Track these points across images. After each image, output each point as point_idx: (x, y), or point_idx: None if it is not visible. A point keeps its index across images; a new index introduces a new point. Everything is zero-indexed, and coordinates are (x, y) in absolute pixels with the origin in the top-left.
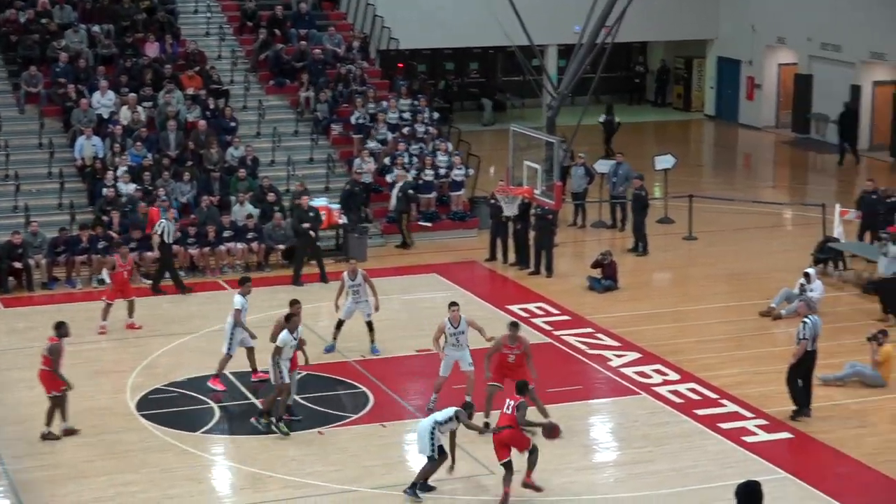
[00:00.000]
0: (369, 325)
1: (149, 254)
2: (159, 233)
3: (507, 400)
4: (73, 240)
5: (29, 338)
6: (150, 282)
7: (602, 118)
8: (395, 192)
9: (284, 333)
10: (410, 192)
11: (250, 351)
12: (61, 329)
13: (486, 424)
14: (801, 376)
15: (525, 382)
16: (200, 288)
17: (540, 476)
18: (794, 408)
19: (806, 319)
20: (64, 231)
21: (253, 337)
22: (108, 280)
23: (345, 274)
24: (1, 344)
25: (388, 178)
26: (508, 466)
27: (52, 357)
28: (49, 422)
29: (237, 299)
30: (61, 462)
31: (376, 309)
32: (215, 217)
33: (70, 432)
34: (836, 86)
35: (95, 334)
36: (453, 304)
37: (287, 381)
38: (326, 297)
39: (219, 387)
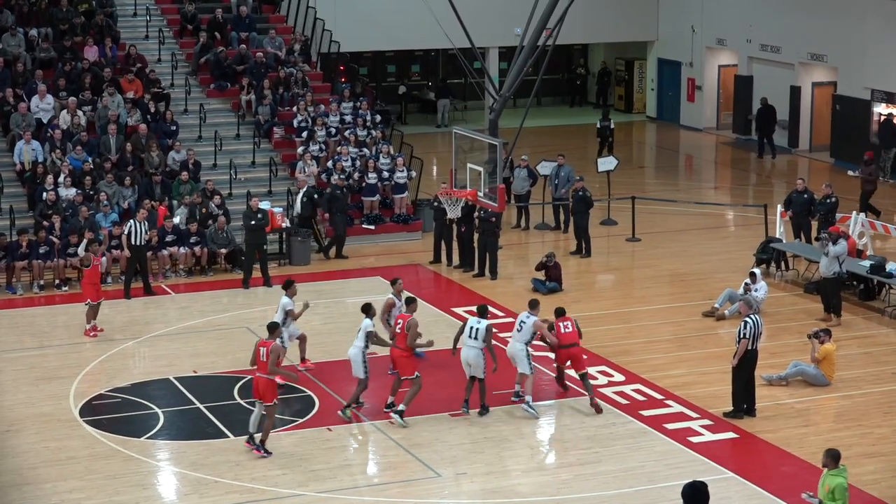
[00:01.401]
0: None
1: (122, 253)
2: (126, 233)
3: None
4: (13, 245)
5: None
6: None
7: (598, 123)
8: (298, 197)
9: (284, 298)
10: (316, 197)
11: (302, 340)
12: None
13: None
14: (745, 377)
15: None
16: (143, 292)
17: (484, 479)
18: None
19: (747, 319)
20: (2, 236)
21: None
22: (89, 262)
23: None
24: None
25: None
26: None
27: None
28: None
29: (285, 300)
30: (4, 469)
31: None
32: (156, 222)
33: None
34: (776, 87)
35: (36, 340)
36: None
37: (287, 346)
38: (271, 300)
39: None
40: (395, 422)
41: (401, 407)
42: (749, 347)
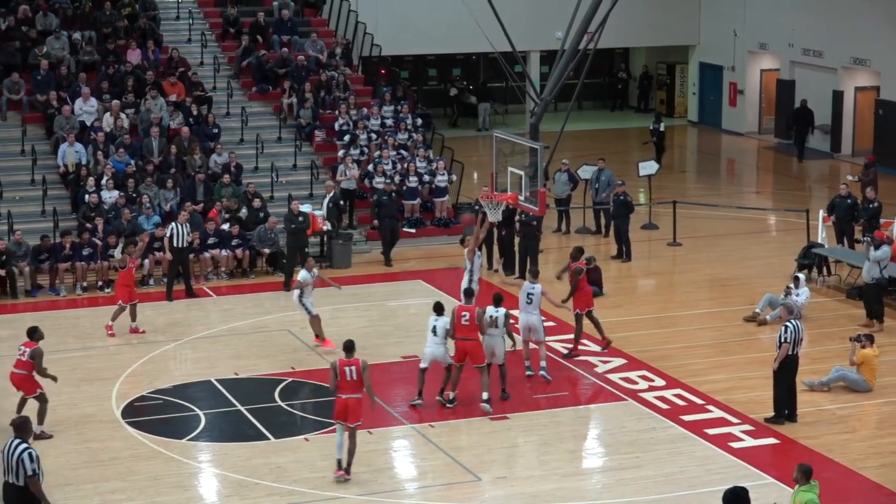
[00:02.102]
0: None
1: (164, 255)
2: (168, 236)
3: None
4: (57, 247)
5: (12, 346)
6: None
7: (651, 126)
8: (325, 202)
9: (303, 272)
10: (342, 203)
11: (317, 320)
12: (37, 333)
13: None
14: (787, 383)
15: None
16: (185, 294)
17: (524, 483)
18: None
19: (787, 323)
20: (46, 238)
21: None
22: (123, 264)
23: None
24: None
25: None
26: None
27: (36, 361)
28: (41, 421)
29: (303, 274)
30: (46, 470)
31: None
32: (199, 224)
33: (45, 437)
34: (819, 91)
35: (79, 341)
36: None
37: (314, 314)
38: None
39: (329, 346)
40: (486, 410)
41: (486, 396)
42: (790, 352)
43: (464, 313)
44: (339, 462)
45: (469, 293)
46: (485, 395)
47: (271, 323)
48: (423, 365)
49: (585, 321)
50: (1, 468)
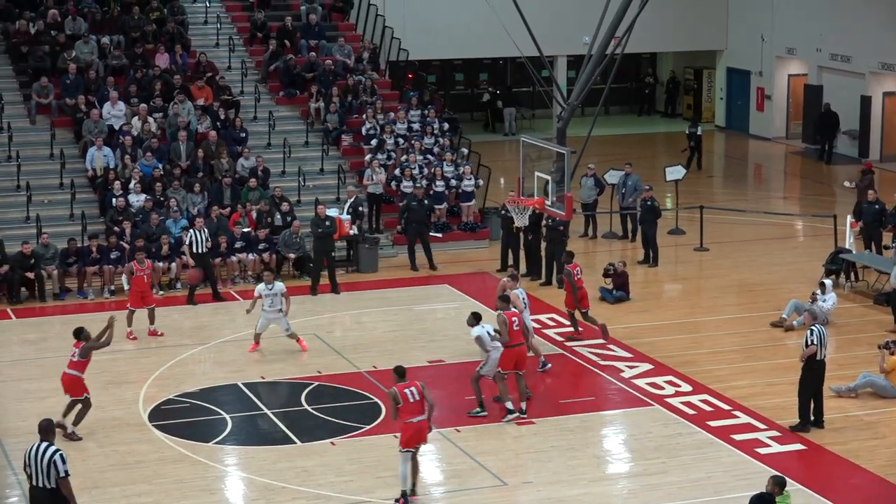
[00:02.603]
0: None
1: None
2: (188, 243)
3: None
4: (85, 250)
5: (41, 348)
6: (162, 293)
7: (687, 130)
8: (345, 207)
9: (260, 285)
10: (361, 209)
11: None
12: (84, 333)
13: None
14: (813, 390)
15: None
16: (212, 298)
17: (550, 488)
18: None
19: (813, 328)
20: (73, 241)
21: None
22: (126, 286)
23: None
24: (12, 354)
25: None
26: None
27: (90, 346)
28: (77, 422)
29: (259, 286)
30: (74, 472)
31: None
32: (226, 228)
33: (73, 438)
34: (846, 96)
35: (137, 343)
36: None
37: (258, 331)
38: (339, 307)
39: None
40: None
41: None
42: (817, 357)
43: (514, 319)
44: (405, 493)
45: (507, 298)
46: (510, 405)
47: (298, 327)
48: (489, 373)
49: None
50: (23, 474)
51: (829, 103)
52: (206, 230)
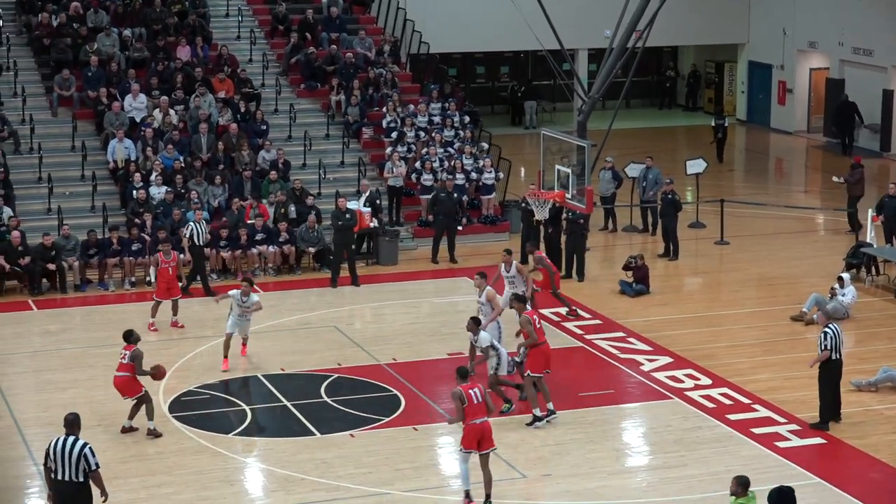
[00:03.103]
0: None
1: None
2: (188, 235)
3: None
4: (105, 242)
5: (61, 339)
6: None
7: (713, 122)
8: (360, 202)
9: (233, 291)
10: (378, 202)
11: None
12: (134, 335)
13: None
14: (832, 388)
15: None
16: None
17: (569, 480)
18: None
19: (826, 329)
20: (93, 233)
21: None
22: (153, 279)
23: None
24: (34, 345)
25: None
26: None
27: (136, 363)
28: (151, 417)
29: (233, 292)
30: None
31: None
32: (243, 220)
33: (155, 434)
34: (868, 90)
35: (158, 334)
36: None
37: (229, 331)
38: (359, 300)
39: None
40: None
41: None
42: (832, 357)
43: (535, 317)
44: (468, 493)
45: (523, 299)
46: (537, 411)
47: (317, 319)
48: (505, 369)
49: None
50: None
51: (846, 94)
52: (204, 223)
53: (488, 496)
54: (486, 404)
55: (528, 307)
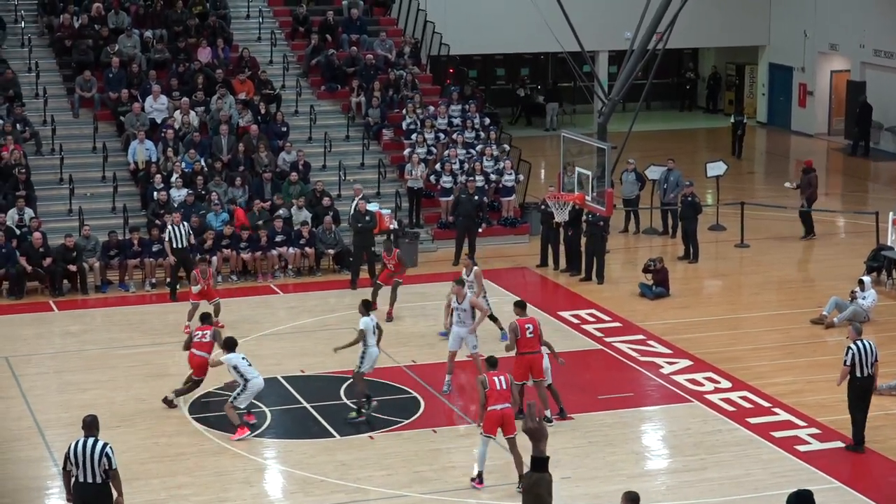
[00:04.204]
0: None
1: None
2: (167, 239)
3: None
4: (126, 243)
5: (82, 340)
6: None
7: (733, 119)
8: (353, 205)
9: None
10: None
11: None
12: (210, 317)
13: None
14: (858, 406)
15: None
16: (253, 292)
17: (588, 483)
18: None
19: (850, 345)
20: (114, 234)
21: None
22: (195, 289)
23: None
24: (54, 346)
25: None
26: None
27: (217, 339)
28: (180, 394)
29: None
30: None
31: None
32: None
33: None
34: (890, 92)
35: (147, 337)
36: (458, 281)
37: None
38: (378, 302)
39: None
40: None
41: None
42: (858, 374)
43: (527, 325)
44: (480, 474)
45: (523, 304)
46: (548, 413)
47: (337, 321)
48: (369, 370)
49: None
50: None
51: (864, 97)
52: (185, 225)
53: (521, 476)
54: (512, 393)
55: (526, 314)
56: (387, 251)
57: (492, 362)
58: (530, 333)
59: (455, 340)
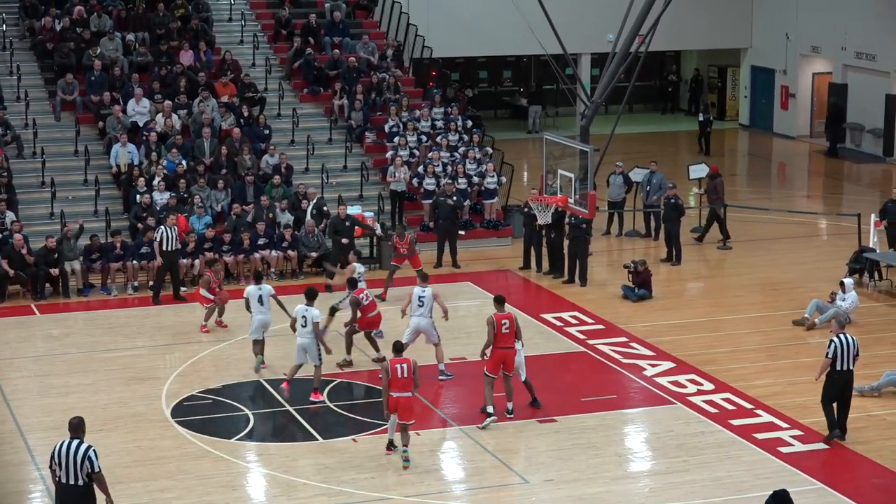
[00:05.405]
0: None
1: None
2: (158, 239)
3: None
4: (108, 246)
5: (64, 344)
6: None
7: (700, 117)
8: (309, 209)
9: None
10: (325, 209)
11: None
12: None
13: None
14: (833, 398)
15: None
16: (235, 295)
17: (571, 486)
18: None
19: (833, 338)
20: (95, 238)
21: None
22: (209, 295)
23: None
24: (37, 350)
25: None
26: None
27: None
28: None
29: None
30: None
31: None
32: (247, 225)
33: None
34: (871, 95)
35: (130, 340)
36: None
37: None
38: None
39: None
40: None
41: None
42: (839, 368)
43: (504, 321)
44: (391, 442)
45: (502, 300)
46: (510, 406)
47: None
48: (406, 339)
49: None
50: (46, 469)
51: (834, 99)
52: (176, 228)
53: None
54: (516, 333)
55: (506, 309)
56: (399, 236)
57: (397, 348)
58: (506, 329)
59: (412, 333)
